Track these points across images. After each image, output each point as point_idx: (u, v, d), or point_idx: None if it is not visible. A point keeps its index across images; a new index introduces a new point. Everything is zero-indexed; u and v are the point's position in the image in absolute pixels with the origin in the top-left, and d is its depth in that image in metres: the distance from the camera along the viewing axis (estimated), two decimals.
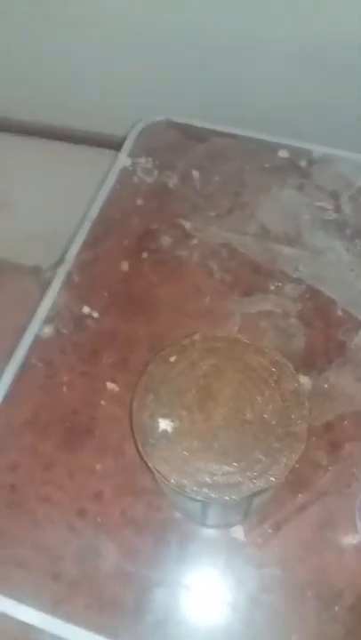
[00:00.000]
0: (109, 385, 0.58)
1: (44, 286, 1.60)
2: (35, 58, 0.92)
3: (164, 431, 0.42)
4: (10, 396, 0.58)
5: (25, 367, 0.60)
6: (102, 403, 0.58)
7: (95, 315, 0.63)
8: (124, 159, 0.75)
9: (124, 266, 0.66)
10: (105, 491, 0.53)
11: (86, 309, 0.63)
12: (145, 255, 0.67)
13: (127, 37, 0.82)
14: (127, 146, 0.76)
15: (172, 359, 0.45)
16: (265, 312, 0.61)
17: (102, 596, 0.49)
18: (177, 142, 0.76)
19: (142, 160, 0.74)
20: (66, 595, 0.49)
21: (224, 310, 0.62)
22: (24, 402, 0.58)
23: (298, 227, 0.66)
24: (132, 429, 0.42)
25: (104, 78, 0.92)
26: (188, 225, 0.68)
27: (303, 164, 0.72)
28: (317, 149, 0.72)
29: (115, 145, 1.06)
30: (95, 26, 0.83)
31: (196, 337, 0.46)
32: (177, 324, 0.62)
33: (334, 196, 0.68)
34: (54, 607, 0.48)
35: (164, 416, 0.42)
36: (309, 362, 0.58)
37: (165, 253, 0.67)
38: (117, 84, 0.91)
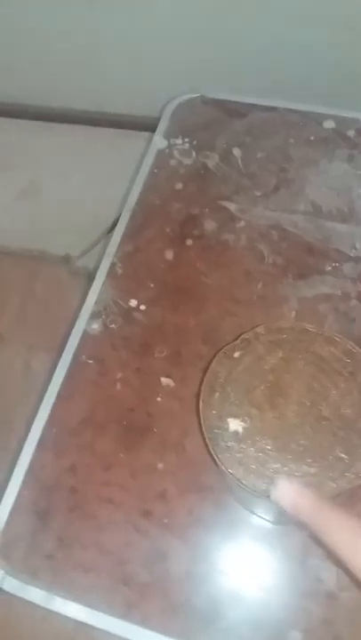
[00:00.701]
0: (164, 380, 0.56)
1: (75, 275, 1.59)
2: (60, 41, 0.88)
3: (235, 432, 0.39)
4: (64, 396, 0.57)
5: (76, 365, 0.59)
6: (158, 399, 0.56)
7: (143, 307, 0.61)
8: (159, 141, 0.71)
9: (169, 254, 0.64)
10: (169, 489, 0.52)
11: (133, 302, 0.61)
12: (189, 242, 0.64)
13: (151, 14, 0.78)
14: (162, 127, 0.73)
15: (237, 354, 0.43)
16: (323, 295, 0.57)
17: (174, 599, 0.48)
18: (214, 119, 0.72)
19: (179, 141, 0.71)
20: (137, 599, 0.48)
21: (278, 295, 0.59)
22: (79, 401, 0.57)
23: (351, 201, 0.63)
24: (201, 432, 0.40)
25: (131, 58, 0.88)
26: (232, 207, 0.65)
27: (351, 133, 0.67)
28: None
29: (145, 127, 1.03)
30: (116, 6, 0.79)
31: (260, 329, 0.43)
32: (228, 313, 0.59)
33: None
34: (127, 612, 0.47)
35: (234, 416, 0.40)
36: None
37: (211, 239, 0.64)
38: (145, 62, 0.87)
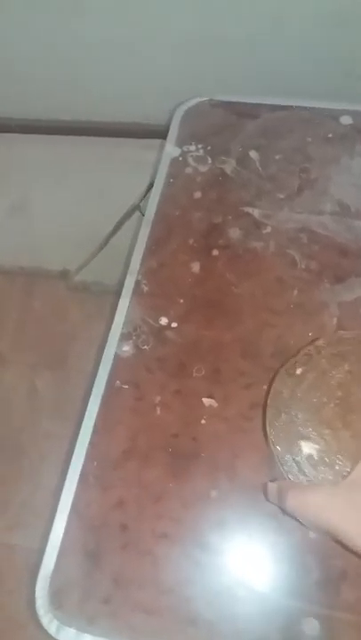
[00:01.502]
0: (206, 401, 0.54)
1: (74, 290, 1.56)
2: (49, 51, 0.85)
3: (310, 456, 0.37)
4: (101, 425, 0.54)
5: (110, 391, 0.56)
6: (202, 421, 0.53)
7: (174, 325, 0.58)
8: (171, 149, 0.68)
9: (195, 267, 0.61)
10: (226, 518, 0.49)
11: (164, 320, 0.58)
12: (215, 252, 0.61)
13: (146, 15, 0.75)
14: (172, 134, 0.70)
15: (299, 371, 0.40)
16: None
17: (246, 637, 0.45)
18: (226, 123, 0.70)
19: (192, 147, 0.68)
20: (206, 639, 0.45)
21: (316, 301, 0.56)
22: (118, 430, 0.54)
23: None
24: (277, 461, 0.37)
25: (123, 64, 0.85)
26: (256, 212, 0.63)
27: None
28: None
29: (136, 134, 1.00)
30: (108, 12, 0.76)
31: (320, 342, 0.41)
32: (266, 324, 0.57)
33: None
34: None
35: (305, 438, 0.37)
36: None
37: (238, 247, 0.61)
38: (139, 68, 0.84)
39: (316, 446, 0.38)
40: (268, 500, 0.43)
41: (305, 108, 0.68)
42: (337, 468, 0.36)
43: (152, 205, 0.65)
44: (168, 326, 0.58)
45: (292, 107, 0.69)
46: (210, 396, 0.54)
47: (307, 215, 0.61)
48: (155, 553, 0.48)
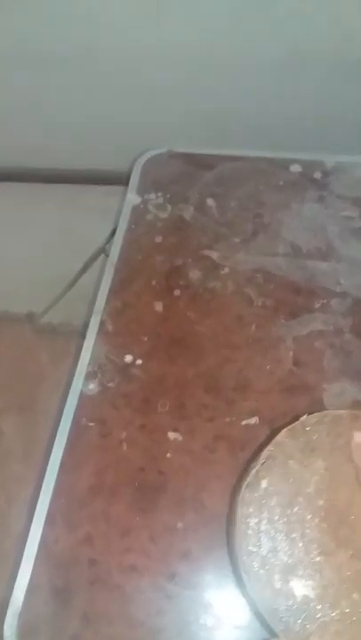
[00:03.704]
0: (172, 435, 0.56)
1: (40, 332, 1.56)
2: (14, 97, 0.89)
3: (305, 598, 0.29)
4: (67, 463, 0.55)
5: (76, 429, 0.57)
6: (168, 455, 0.55)
7: (139, 362, 0.60)
8: (133, 197, 0.73)
9: (158, 307, 0.64)
10: (192, 549, 0.50)
11: (129, 358, 0.61)
12: (177, 292, 0.64)
13: (113, 71, 0.80)
14: (133, 183, 0.74)
15: (264, 484, 0.32)
16: (317, 332, 0.59)
17: None
18: (184, 173, 0.74)
19: (152, 196, 0.73)
20: None
21: (273, 336, 0.60)
22: (84, 467, 0.55)
23: (328, 240, 0.65)
24: (265, 616, 0.30)
25: (83, 115, 0.90)
26: (214, 255, 0.67)
27: (318, 175, 0.71)
28: (329, 159, 0.71)
29: (96, 180, 1.05)
30: (74, 63, 0.81)
31: (282, 437, 0.34)
32: (226, 359, 0.60)
33: (358, 203, 0.67)
34: None
35: (294, 574, 0.30)
36: None
37: (198, 287, 0.65)
38: (105, 119, 0.89)
39: (311, 582, 0.29)
40: None
41: (258, 158, 0.74)
42: (343, 604, 0.27)
43: (115, 249, 0.68)
44: (133, 363, 0.60)
45: (245, 157, 0.74)
46: (175, 430, 0.56)
47: (262, 257, 0.65)
48: (124, 587, 0.49)
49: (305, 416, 0.35)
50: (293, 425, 0.34)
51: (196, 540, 0.50)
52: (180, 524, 0.51)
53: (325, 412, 0.35)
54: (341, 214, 0.67)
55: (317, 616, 0.28)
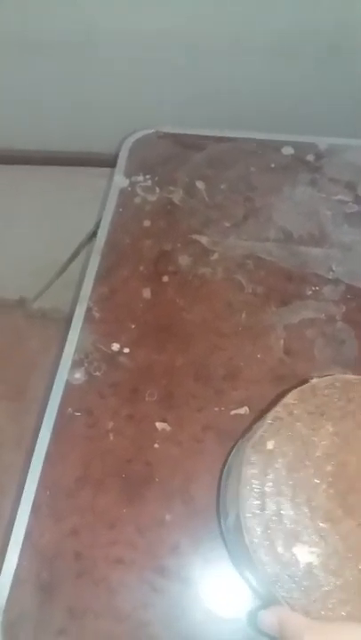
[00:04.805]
0: (159, 425, 0.54)
1: (32, 318, 1.55)
2: (4, 80, 0.86)
3: (309, 565, 0.28)
4: (53, 454, 0.54)
5: (62, 419, 0.56)
6: (156, 445, 0.54)
7: (126, 350, 0.59)
8: (120, 180, 0.70)
9: (146, 293, 0.62)
10: (181, 541, 0.49)
11: (116, 346, 0.59)
12: (166, 279, 0.63)
13: (102, 54, 0.78)
14: (120, 165, 0.72)
15: (270, 445, 0.31)
16: (308, 320, 0.57)
17: None
18: (173, 154, 0.72)
19: (140, 178, 0.70)
20: None
21: (264, 324, 0.58)
22: (71, 458, 0.54)
23: (320, 224, 0.63)
24: (266, 580, 0.29)
25: (73, 95, 0.87)
26: (204, 240, 0.65)
27: (311, 158, 0.69)
28: (322, 141, 0.69)
29: (87, 162, 1.02)
30: (63, 47, 0.78)
31: (290, 399, 0.33)
32: (215, 347, 0.58)
33: (351, 187, 0.65)
34: None
35: (297, 541, 0.28)
36: None
37: (187, 274, 0.63)
38: (95, 99, 0.86)
39: (315, 550, 0.28)
40: (261, 630, 0.32)
41: (248, 139, 0.71)
42: (348, 573, 0.26)
43: (102, 234, 0.66)
44: (120, 352, 0.59)
45: (236, 138, 0.72)
46: (163, 420, 0.55)
47: (253, 242, 0.64)
48: (110, 579, 0.48)
49: (315, 379, 0.34)
50: (303, 387, 0.33)
51: (184, 532, 0.49)
52: (168, 517, 0.50)
53: (336, 375, 0.34)
54: (334, 198, 0.65)
55: (321, 584, 0.27)
